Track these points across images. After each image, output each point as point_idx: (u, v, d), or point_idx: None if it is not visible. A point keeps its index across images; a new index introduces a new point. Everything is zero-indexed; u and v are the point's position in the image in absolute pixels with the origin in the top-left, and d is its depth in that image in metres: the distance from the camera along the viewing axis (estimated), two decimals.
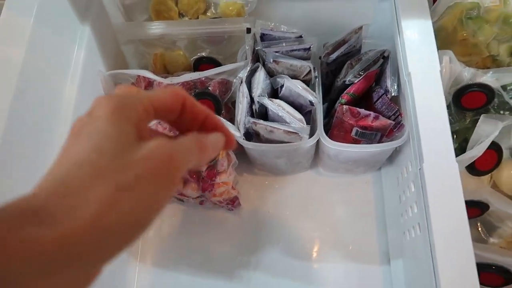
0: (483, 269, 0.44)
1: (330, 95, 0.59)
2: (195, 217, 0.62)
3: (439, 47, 0.52)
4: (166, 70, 0.61)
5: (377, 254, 0.58)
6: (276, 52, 0.52)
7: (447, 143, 0.41)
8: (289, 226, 0.61)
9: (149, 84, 0.55)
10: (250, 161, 0.62)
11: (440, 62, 0.47)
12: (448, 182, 0.40)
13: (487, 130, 0.44)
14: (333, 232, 0.60)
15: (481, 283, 0.45)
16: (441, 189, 0.40)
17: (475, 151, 0.44)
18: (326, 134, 0.57)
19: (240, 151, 0.58)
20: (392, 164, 0.61)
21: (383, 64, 0.55)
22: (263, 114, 0.52)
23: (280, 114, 0.49)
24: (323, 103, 0.62)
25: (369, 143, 0.53)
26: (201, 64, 0.59)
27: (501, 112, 0.49)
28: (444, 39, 0.54)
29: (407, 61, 0.45)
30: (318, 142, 0.54)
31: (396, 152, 0.58)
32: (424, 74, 0.44)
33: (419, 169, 0.42)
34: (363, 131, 0.52)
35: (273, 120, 0.51)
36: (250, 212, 0.62)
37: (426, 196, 0.40)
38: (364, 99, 0.56)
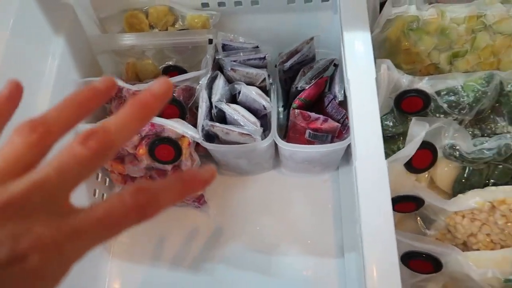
0: (415, 257, 0.48)
1: (289, 100, 0.64)
2: (164, 213, 0.66)
3: (386, 57, 0.57)
4: (138, 78, 0.66)
5: (333, 248, 0.63)
6: (233, 61, 0.57)
7: (378, 143, 0.45)
8: (252, 222, 0.65)
9: (119, 90, 0.60)
10: (217, 162, 0.66)
11: (378, 70, 0.52)
12: (377, 178, 0.44)
13: (417, 131, 0.49)
14: (292, 228, 0.65)
15: (412, 270, 0.49)
16: (371, 184, 0.44)
17: (407, 150, 0.49)
18: (285, 137, 0.62)
19: (208, 154, 0.63)
20: (348, 164, 0.65)
21: (334, 72, 0.59)
22: (222, 118, 0.57)
23: (235, 117, 0.54)
24: (285, 109, 0.67)
25: (322, 144, 0.58)
26: (169, 72, 0.64)
27: (437, 115, 0.53)
28: (390, 49, 0.59)
29: (347, 69, 0.50)
30: (277, 144, 0.58)
31: (351, 153, 0.62)
32: (361, 80, 0.49)
33: (354, 167, 0.46)
34: (315, 133, 0.57)
35: (230, 123, 0.56)
36: (216, 209, 0.66)
37: (357, 191, 0.44)
38: (317, 104, 0.61)
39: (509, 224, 0.46)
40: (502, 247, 0.48)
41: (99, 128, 0.21)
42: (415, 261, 0.48)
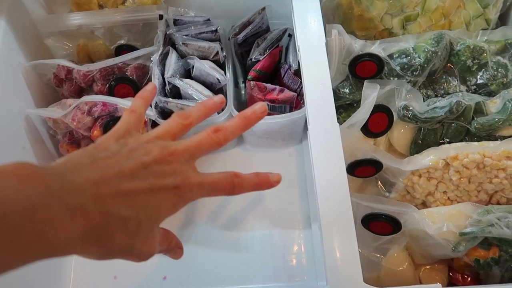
0: (375, 218, 0.48)
1: (246, 73, 0.63)
2: None
3: (339, 23, 0.57)
4: (90, 59, 0.64)
5: (300, 220, 0.63)
6: (185, 35, 0.56)
7: (330, 108, 0.45)
8: (218, 200, 0.65)
9: (69, 72, 0.58)
10: None
11: (329, 35, 0.51)
12: (330, 142, 0.44)
13: (369, 93, 0.49)
14: (260, 203, 0.64)
15: (374, 232, 0.50)
16: (324, 149, 0.44)
17: (361, 113, 0.49)
18: None
19: None
20: None
21: (289, 42, 0.59)
22: (177, 94, 0.56)
23: (189, 92, 0.53)
24: (244, 82, 0.66)
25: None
26: (121, 51, 0.62)
27: (391, 78, 0.53)
28: (343, 16, 0.58)
29: (297, 36, 0.49)
30: None
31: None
32: (311, 46, 0.48)
33: (308, 132, 0.46)
34: (272, 104, 0.56)
35: (185, 98, 0.54)
36: None
37: (312, 156, 0.44)
38: (275, 75, 0.60)
39: (463, 179, 0.47)
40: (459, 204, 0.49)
41: (223, 126, 0.33)
42: (375, 223, 0.48)
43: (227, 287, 0.60)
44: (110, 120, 0.54)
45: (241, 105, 0.66)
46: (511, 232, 0.42)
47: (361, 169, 0.52)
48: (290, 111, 0.58)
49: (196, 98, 0.53)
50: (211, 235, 0.63)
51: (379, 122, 0.52)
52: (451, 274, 0.50)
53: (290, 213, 0.63)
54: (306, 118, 0.57)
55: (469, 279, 0.48)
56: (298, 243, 0.62)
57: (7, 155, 0.52)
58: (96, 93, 0.58)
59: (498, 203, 0.47)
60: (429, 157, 0.48)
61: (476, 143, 0.47)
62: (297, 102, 0.57)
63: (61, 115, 0.54)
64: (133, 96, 0.57)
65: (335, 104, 0.47)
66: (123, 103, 0.53)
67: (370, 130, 0.52)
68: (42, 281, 0.56)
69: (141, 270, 0.61)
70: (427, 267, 0.50)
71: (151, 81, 0.56)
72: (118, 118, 0.54)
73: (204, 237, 0.62)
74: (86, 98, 0.53)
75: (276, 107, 0.57)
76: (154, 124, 0.57)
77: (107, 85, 0.57)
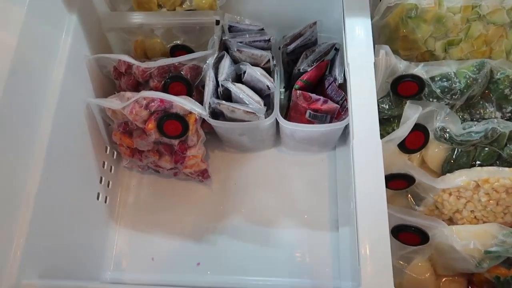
0: (404, 230, 0.52)
1: (291, 82, 0.66)
2: (170, 186, 0.70)
3: (385, 42, 0.60)
4: (146, 56, 0.68)
5: (328, 222, 0.67)
6: (240, 42, 0.59)
7: (374, 123, 0.49)
8: (252, 197, 0.69)
9: (129, 67, 0.62)
10: (220, 139, 0.70)
11: (377, 55, 0.55)
12: (372, 156, 0.48)
13: (411, 113, 0.52)
14: (290, 203, 0.68)
15: (401, 242, 0.53)
16: (366, 162, 0.47)
17: (400, 131, 0.52)
18: (286, 116, 0.65)
19: (212, 130, 0.66)
20: (345, 144, 0.69)
21: (335, 55, 0.62)
22: (227, 96, 0.60)
23: (240, 96, 0.57)
24: (287, 90, 0.70)
25: (321, 124, 0.61)
26: (176, 51, 0.66)
27: (430, 99, 0.57)
28: (389, 35, 0.62)
29: (347, 53, 0.53)
30: (278, 123, 0.61)
31: (348, 133, 0.66)
32: (360, 64, 0.52)
33: (351, 145, 0.49)
34: (315, 113, 0.60)
35: (235, 102, 0.59)
36: (219, 184, 0.70)
37: (354, 167, 0.48)
38: (318, 86, 0.64)
39: (491, 201, 0.50)
40: (484, 223, 0.52)
41: None
42: (404, 234, 0.52)
43: (254, 277, 0.65)
44: (164, 115, 0.58)
45: (281, 110, 0.70)
46: None
47: (394, 182, 0.55)
48: (330, 121, 0.61)
49: (247, 102, 0.57)
50: (243, 229, 0.67)
51: (416, 140, 0.56)
52: (469, 287, 0.53)
53: (318, 215, 0.67)
54: (344, 129, 0.61)
55: None
56: (324, 244, 0.65)
57: (68, 139, 0.57)
58: (152, 89, 0.62)
59: None
60: (461, 178, 0.51)
61: (507, 169, 0.50)
62: (338, 113, 0.61)
63: (120, 107, 0.58)
64: (186, 94, 0.61)
65: None
66: (178, 101, 0.58)
67: (407, 146, 0.56)
68: (87, 261, 0.62)
69: (176, 255, 0.66)
70: (448, 278, 0.54)
71: (204, 81, 0.61)
72: (172, 114, 0.58)
73: (236, 230, 0.67)
74: (145, 93, 0.58)
75: (317, 116, 0.60)
76: (204, 122, 0.62)
77: (163, 82, 0.61)
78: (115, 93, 0.63)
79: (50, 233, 0.52)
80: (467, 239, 0.48)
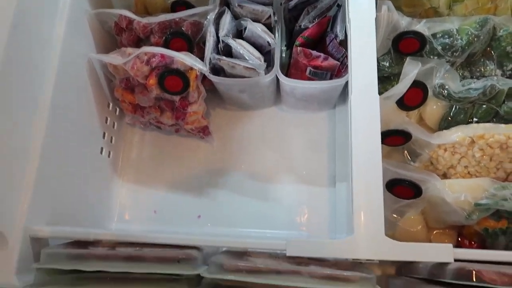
0: (398, 183, 0.53)
1: (292, 39, 0.66)
2: (171, 143, 0.72)
3: None
4: (146, 11, 0.68)
5: (326, 179, 0.68)
6: None
7: (373, 78, 0.49)
8: (252, 154, 0.70)
9: (130, 23, 0.62)
10: (221, 97, 0.70)
11: (379, 10, 0.54)
12: (369, 111, 0.48)
13: (410, 69, 0.52)
14: (289, 159, 0.70)
15: (395, 195, 0.55)
16: (363, 117, 0.48)
17: (399, 87, 0.53)
18: (287, 74, 0.65)
19: (213, 88, 0.67)
20: (344, 103, 0.69)
21: (337, 12, 0.62)
22: (228, 52, 0.60)
23: (241, 52, 0.57)
24: (288, 48, 0.70)
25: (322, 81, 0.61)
26: (177, 6, 0.65)
27: (431, 56, 0.56)
28: None
29: (349, 9, 0.52)
30: (279, 80, 0.62)
31: (347, 92, 0.66)
32: (362, 19, 0.51)
33: (349, 100, 0.50)
34: (315, 70, 0.60)
35: (235, 57, 0.59)
36: (220, 141, 0.71)
37: (351, 122, 0.49)
38: (320, 43, 0.63)
39: (485, 157, 0.51)
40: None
41: None
42: (399, 188, 0.54)
43: (253, 229, 0.67)
44: (165, 71, 0.59)
45: (281, 67, 0.70)
46: None
47: (392, 138, 0.56)
48: (331, 78, 0.62)
49: (247, 58, 0.57)
50: (242, 184, 0.69)
51: (414, 97, 0.56)
52: (459, 239, 0.56)
53: (317, 171, 0.69)
54: (344, 86, 0.62)
55: (475, 245, 0.54)
56: (322, 198, 0.67)
57: (71, 93, 0.57)
58: (153, 45, 0.62)
59: None
60: (457, 133, 0.52)
61: (503, 125, 0.51)
62: (338, 70, 0.61)
63: (122, 62, 0.59)
64: (187, 50, 0.62)
65: None
66: (179, 56, 0.58)
67: (405, 103, 0.56)
68: (92, 212, 0.64)
69: (178, 207, 0.69)
70: (439, 231, 0.56)
71: (204, 38, 0.61)
72: (173, 70, 0.59)
73: (237, 185, 0.69)
74: (146, 49, 0.58)
75: (318, 73, 0.61)
76: (203, 79, 0.62)
77: (164, 38, 0.61)
78: (116, 49, 0.63)
79: (56, 182, 0.54)
80: (459, 192, 0.49)
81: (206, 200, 0.69)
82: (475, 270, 0.40)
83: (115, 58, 0.60)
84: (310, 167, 0.69)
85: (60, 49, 0.55)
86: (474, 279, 0.40)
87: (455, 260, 0.43)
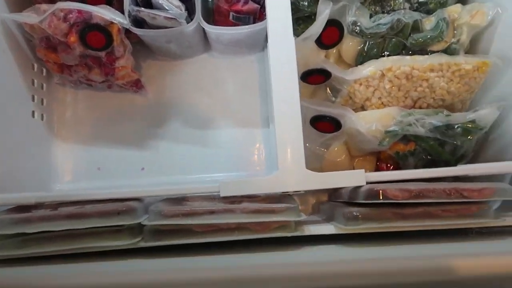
0: (320, 119, 0.58)
1: None
2: (106, 99, 0.71)
3: None
4: None
5: (259, 120, 0.72)
6: None
7: (287, 23, 0.51)
8: (188, 102, 0.72)
9: None
10: (150, 49, 0.70)
11: None
12: (286, 53, 0.51)
13: (323, 9, 0.55)
14: (224, 104, 0.72)
15: (319, 131, 0.60)
16: (280, 59, 0.51)
17: (315, 28, 0.55)
18: (213, 20, 0.65)
19: (141, 40, 0.66)
20: None
21: None
22: (148, 3, 0.59)
23: (160, 1, 0.57)
24: None
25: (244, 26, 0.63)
26: None
27: None
28: None
29: None
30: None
31: None
32: None
33: (268, 44, 0.52)
34: (238, 15, 0.61)
35: (155, 8, 0.58)
36: (154, 92, 0.72)
37: (269, 66, 0.51)
38: None
39: (394, 88, 0.56)
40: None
41: None
42: (321, 123, 0.58)
43: (195, 175, 0.71)
44: (85, 27, 0.58)
45: (208, 14, 0.70)
46: (424, 131, 0.53)
47: (313, 77, 0.60)
48: (254, 22, 0.63)
49: (166, 8, 0.57)
50: (182, 132, 0.71)
51: (331, 35, 0.59)
52: (378, 164, 0.62)
53: (251, 114, 0.72)
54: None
55: (391, 167, 0.61)
56: (257, 140, 0.72)
57: None
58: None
59: (420, 107, 0.58)
60: (368, 68, 0.56)
61: (408, 57, 0.56)
62: (260, 14, 0.62)
63: (37, 21, 0.57)
64: (105, 3, 0.60)
65: (294, 16, 0.53)
66: (97, 11, 0.57)
67: (323, 42, 0.59)
68: (34, 177, 0.65)
69: (122, 162, 0.71)
70: (360, 158, 0.62)
71: None
72: (93, 25, 0.58)
73: (176, 134, 0.71)
74: (62, 4, 0.56)
75: (241, 18, 0.62)
76: (128, 32, 0.61)
77: None
78: (31, 7, 0.61)
79: None
80: (371, 123, 0.54)
81: (148, 152, 0.71)
82: (381, 190, 0.46)
83: (29, 17, 0.58)
84: (245, 110, 0.72)
85: None
86: (381, 197, 0.46)
87: (368, 183, 0.48)
